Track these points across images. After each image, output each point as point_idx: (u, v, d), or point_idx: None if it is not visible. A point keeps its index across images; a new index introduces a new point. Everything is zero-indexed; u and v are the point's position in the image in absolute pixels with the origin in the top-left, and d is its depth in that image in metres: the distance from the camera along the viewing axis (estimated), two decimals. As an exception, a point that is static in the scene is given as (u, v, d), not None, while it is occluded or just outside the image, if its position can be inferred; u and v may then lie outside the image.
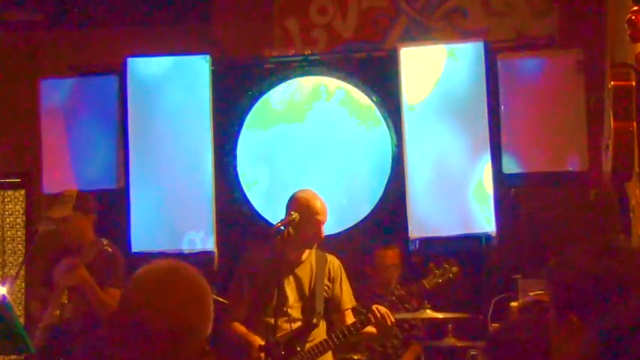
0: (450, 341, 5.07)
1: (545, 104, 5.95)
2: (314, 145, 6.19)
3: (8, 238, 6.89)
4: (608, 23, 5.60)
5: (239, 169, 6.21)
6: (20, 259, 6.66)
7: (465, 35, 6.43)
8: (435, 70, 6.00)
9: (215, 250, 5.98)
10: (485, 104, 5.88)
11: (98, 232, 5.05)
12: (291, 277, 4.59)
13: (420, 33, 6.57)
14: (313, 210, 4.53)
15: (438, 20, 6.63)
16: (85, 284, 4.73)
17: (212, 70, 6.15)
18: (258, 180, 6.21)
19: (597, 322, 1.46)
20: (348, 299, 4.71)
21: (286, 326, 4.51)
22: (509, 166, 5.92)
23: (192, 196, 6.07)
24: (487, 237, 5.80)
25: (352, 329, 4.55)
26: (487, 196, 5.82)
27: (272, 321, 4.31)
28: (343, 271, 4.73)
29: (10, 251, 6.87)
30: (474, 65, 5.95)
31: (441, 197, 5.90)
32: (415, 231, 5.85)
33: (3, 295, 4.17)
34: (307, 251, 4.65)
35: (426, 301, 5.01)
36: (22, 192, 6.92)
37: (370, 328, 4.60)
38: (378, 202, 6.08)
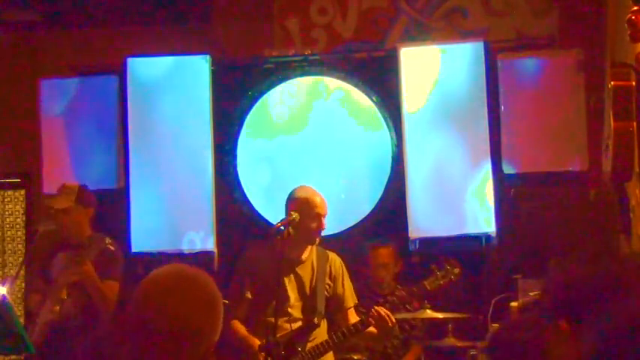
0: (450, 341, 5.07)
1: (545, 104, 5.95)
2: (314, 144, 6.19)
3: (8, 238, 6.89)
4: (608, 23, 5.60)
5: (239, 169, 6.21)
6: (20, 259, 6.66)
7: (465, 35, 6.43)
8: (435, 70, 6.00)
9: (215, 250, 5.98)
10: (485, 104, 5.89)
11: (98, 232, 5.06)
12: (291, 276, 4.58)
13: (420, 33, 6.57)
14: (313, 204, 4.52)
15: (438, 20, 6.62)
16: (88, 279, 4.75)
17: (212, 70, 6.15)
18: (258, 180, 6.22)
19: (594, 325, 1.46)
20: (350, 297, 4.70)
21: (287, 326, 4.50)
22: (510, 166, 5.92)
23: (192, 196, 6.07)
24: (487, 237, 5.80)
25: (353, 329, 4.55)
26: (487, 196, 5.82)
27: (272, 320, 4.31)
28: (345, 270, 4.71)
29: (10, 251, 6.87)
30: (474, 65, 5.95)
31: (441, 197, 5.90)
32: (415, 231, 5.86)
33: (3, 295, 4.17)
34: (308, 250, 4.64)
35: (426, 301, 5.00)
36: (22, 192, 6.92)
37: (371, 329, 4.59)
38: (378, 202, 6.08)
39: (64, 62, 6.56)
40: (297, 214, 4.45)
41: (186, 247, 6.03)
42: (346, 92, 6.19)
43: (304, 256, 4.63)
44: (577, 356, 1.56)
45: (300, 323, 4.55)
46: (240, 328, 4.52)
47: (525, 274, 5.27)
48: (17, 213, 6.92)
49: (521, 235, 5.76)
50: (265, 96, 6.23)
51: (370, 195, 6.11)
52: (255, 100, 6.23)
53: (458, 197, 5.87)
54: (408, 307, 5.24)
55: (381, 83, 6.17)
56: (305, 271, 4.61)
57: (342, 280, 4.67)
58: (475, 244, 5.81)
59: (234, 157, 6.21)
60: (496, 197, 5.80)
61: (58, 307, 4.77)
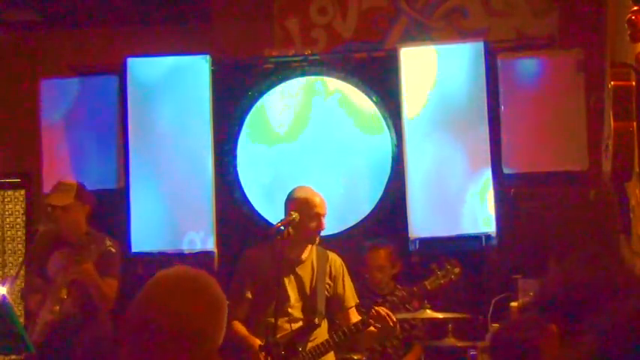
0: (450, 341, 5.07)
1: (545, 104, 5.95)
2: (314, 145, 6.19)
3: (8, 238, 6.89)
4: (608, 23, 5.61)
5: (239, 169, 6.21)
6: (20, 259, 6.66)
7: (464, 35, 6.43)
8: (435, 70, 6.00)
9: (215, 250, 5.98)
10: (485, 104, 5.88)
11: (99, 231, 5.07)
12: (291, 277, 4.58)
13: (420, 33, 6.57)
14: (312, 204, 4.53)
15: (438, 20, 6.63)
16: (88, 278, 4.76)
17: (212, 70, 6.15)
18: (258, 180, 6.22)
19: (588, 328, 1.46)
20: (350, 297, 4.70)
21: (287, 326, 4.50)
22: (509, 167, 5.92)
23: (192, 196, 6.07)
24: (487, 237, 5.80)
25: (353, 329, 4.54)
26: (487, 196, 5.82)
27: (272, 321, 4.30)
28: (345, 269, 4.71)
29: (10, 251, 6.88)
30: (474, 65, 5.94)
31: (441, 197, 5.90)
32: (415, 231, 5.86)
33: (3, 295, 4.17)
34: (308, 249, 4.64)
35: (426, 301, 5.00)
36: (22, 192, 6.92)
37: (371, 328, 4.59)
38: (378, 202, 6.08)
39: (64, 62, 6.56)
40: (296, 214, 4.45)
41: (186, 247, 6.03)
42: (346, 92, 6.19)
43: (304, 256, 4.63)
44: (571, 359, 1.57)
45: (300, 323, 4.55)
46: (240, 328, 4.52)
47: (525, 274, 5.27)
48: (17, 213, 6.92)
49: (521, 235, 5.76)
50: (264, 101, 6.22)
51: (370, 195, 6.11)
52: (255, 100, 6.23)
53: (458, 197, 5.87)
54: (408, 307, 5.24)
55: (381, 83, 6.16)
56: (305, 271, 4.61)
57: (343, 279, 4.67)
58: (475, 244, 5.81)
59: (234, 157, 6.21)
60: (496, 197, 5.80)
61: (57, 307, 4.78)
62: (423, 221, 5.88)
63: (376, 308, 4.53)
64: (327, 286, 4.63)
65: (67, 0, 6.66)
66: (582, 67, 5.88)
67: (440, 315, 4.99)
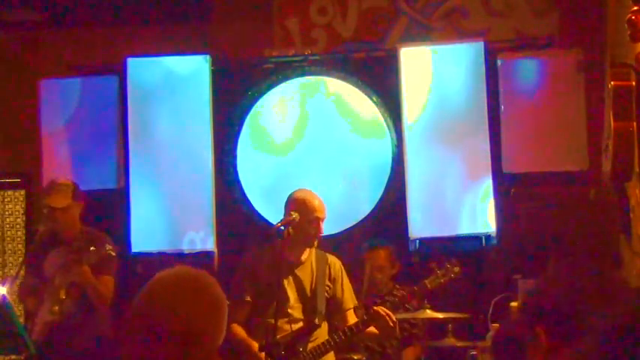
0: (450, 341, 5.06)
1: (545, 104, 5.95)
2: (314, 144, 6.19)
3: (8, 238, 6.88)
4: (608, 23, 5.60)
5: (239, 169, 6.21)
6: (20, 259, 6.65)
7: (464, 35, 6.43)
8: (435, 70, 6.00)
9: (215, 250, 5.98)
10: (485, 104, 5.88)
11: (99, 231, 5.08)
12: (290, 278, 4.59)
13: (420, 33, 6.57)
14: (311, 208, 4.53)
15: (438, 20, 6.62)
16: (86, 282, 4.78)
17: (212, 70, 6.15)
18: (258, 180, 6.22)
19: (579, 334, 1.46)
20: (349, 299, 4.70)
21: (287, 327, 4.50)
22: (509, 167, 5.92)
23: (192, 196, 6.07)
24: (487, 237, 5.80)
25: (354, 329, 4.55)
26: (487, 196, 5.82)
27: (272, 322, 4.31)
28: (344, 272, 4.72)
29: (10, 251, 6.87)
30: (474, 65, 5.94)
31: (441, 197, 5.90)
32: (415, 231, 5.86)
33: (3, 295, 4.17)
34: (307, 252, 4.64)
35: (426, 301, 5.00)
36: (22, 192, 6.91)
37: (371, 329, 4.60)
38: (378, 202, 6.08)
39: (64, 62, 6.56)
40: (296, 213, 4.46)
41: (186, 247, 6.03)
42: (346, 95, 6.19)
43: (303, 257, 4.63)
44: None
45: (300, 324, 4.56)
46: (239, 330, 4.52)
47: (525, 274, 5.27)
48: (17, 213, 6.92)
49: (521, 235, 5.76)
50: (263, 105, 6.21)
51: (370, 195, 6.11)
52: (255, 100, 6.23)
53: (458, 197, 5.87)
54: (408, 306, 5.24)
55: (381, 83, 6.17)
56: (304, 273, 4.62)
57: (342, 282, 4.68)
58: (475, 244, 5.81)
59: (234, 157, 6.21)
60: (496, 197, 5.80)
61: (56, 308, 4.78)
62: (423, 221, 5.88)
63: (375, 308, 4.53)
64: (327, 288, 4.64)
65: (68, 0, 6.65)
66: (582, 67, 5.88)
67: (440, 315, 4.98)
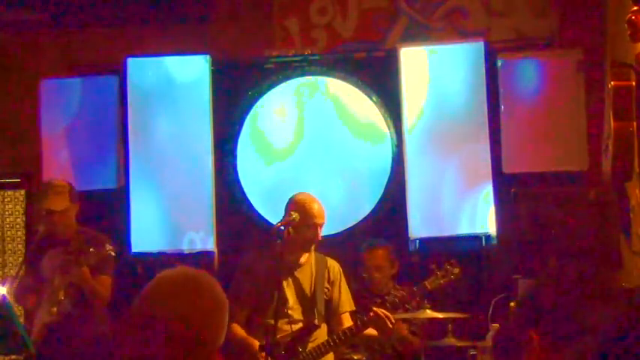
0: (450, 341, 5.06)
1: (545, 104, 5.95)
2: (314, 145, 6.19)
3: (8, 238, 6.88)
4: (608, 23, 5.60)
5: (239, 169, 6.21)
6: (20, 259, 6.65)
7: (465, 35, 6.43)
8: (435, 70, 6.00)
9: (215, 250, 5.98)
10: (485, 104, 5.89)
11: (99, 231, 5.08)
12: (290, 279, 4.60)
13: (420, 33, 6.57)
14: (310, 213, 4.54)
15: (438, 20, 6.62)
16: (85, 283, 4.78)
17: (212, 70, 6.15)
18: (258, 180, 6.21)
19: (573, 338, 1.46)
20: (346, 303, 4.72)
21: (287, 328, 4.51)
22: (510, 166, 5.92)
23: (192, 196, 6.07)
24: (487, 237, 5.80)
25: (353, 330, 4.55)
26: (487, 196, 5.82)
27: (272, 322, 4.31)
28: (342, 275, 4.75)
29: (10, 251, 6.87)
30: (474, 65, 5.95)
31: (441, 197, 5.90)
32: (415, 231, 5.86)
33: (3, 295, 4.18)
34: (306, 254, 4.66)
35: (425, 301, 5.00)
36: (22, 192, 6.91)
37: (371, 330, 4.60)
38: (378, 202, 6.08)
39: (64, 62, 6.56)
40: (297, 214, 4.47)
41: (186, 247, 6.03)
42: (345, 92, 6.19)
43: (302, 259, 4.65)
44: None
45: (300, 325, 4.56)
46: (239, 330, 4.53)
47: (525, 274, 5.27)
48: (17, 213, 6.91)
49: (521, 235, 5.76)
50: (261, 108, 6.20)
51: (370, 195, 6.11)
52: (255, 100, 6.23)
53: (458, 197, 5.87)
54: (408, 306, 5.24)
55: (381, 83, 6.17)
56: (303, 275, 4.63)
57: (340, 285, 4.71)
58: (475, 244, 5.81)
59: (234, 157, 6.21)
60: (496, 197, 5.80)
61: (55, 309, 4.78)
62: (423, 221, 5.88)
63: (375, 309, 4.53)
64: (326, 290, 4.66)
65: (68, 0, 6.65)
66: (582, 67, 5.88)
67: (440, 315, 4.98)
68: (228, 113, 6.24)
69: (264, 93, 6.23)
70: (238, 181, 6.20)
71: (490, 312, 5.25)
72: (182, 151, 6.11)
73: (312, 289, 4.61)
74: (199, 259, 5.88)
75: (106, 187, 6.15)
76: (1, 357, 4.81)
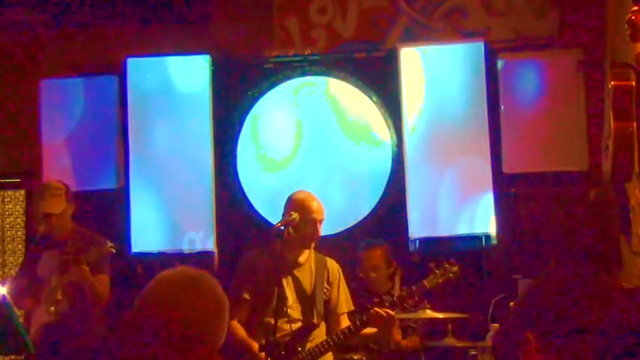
0: (450, 341, 5.06)
1: (545, 104, 5.95)
2: (314, 145, 6.19)
3: (8, 238, 6.88)
4: (608, 23, 5.60)
5: (239, 169, 6.21)
6: (20, 259, 6.66)
7: (465, 35, 6.43)
8: (435, 70, 6.00)
9: (215, 250, 5.98)
10: (485, 104, 5.89)
11: (98, 232, 5.09)
12: (289, 278, 4.60)
13: (420, 33, 6.57)
14: (309, 209, 4.54)
15: (438, 20, 6.62)
16: (84, 281, 4.79)
17: (212, 70, 6.15)
18: (258, 180, 6.22)
19: (570, 339, 1.46)
20: (344, 303, 4.73)
21: (286, 327, 4.51)
22: (510, 166, 5.92)
23: (192, 196, 6.07)
24: (487, 237, 5.80)
25: (353, 330, 4.55)
26: (487, 196, 5.82)
27: (272, 321, 4.32)
28: (342, 276, 4.76)
29: (10, 251, 6.87)
30: (474, 65, 5.95)
31: (441, 197, 5.90)
32: (415, 231, 5.86)
33: (3, 295, 4.17)
34: (306, 253, 4.66)
35: (425, 301, 5.00)
36: (22, 192, 6.91)
37: (370, 329, 4.60)
38: (378, 202, 6.08)
39: (64, 62, 6.56)
40: (296, 214, 4.47)
41: (186, 247, 6.03)
42: (345, 92, 6.19)
43: (302, 259, 4.65)
44: None
45: (299, 324, 4.56)
46: (239, 329, 4.53)
47: (525, 274, 5.27)
48: (17, 213, 6.91)
49: (521, 235, 5.76)
50: (262, 108, 6.20)
51: (370, 195, 6.11)
52: (255, 100, 6.23)
53: (458, 197, 5.87)
54: (406, 306, 5.24)
55: (381, 83, 6.17)
56: (303, 274, 4.63)
57: (339, 286, 4.72)
58: (475, 244, 5.81)
59: (234, 157, 6.21)
60: (496, 197, 5.80)
61: (53, 308, 4.78)
62: (423, 221, 5.88)
63: (376, 309, 4.53)
64: (325, 290, 4.67)
65: (68, 0, 6.65)
66: (582, 67, 5.89)
67: (440, 315, 4.98)
68: (228, 113, 6.24)
69: (264, 93, 6.23)
70: (238, 181, 6.20)
71: (490, 312, 5.25)
72: (182, 151, 6.11)
73: (312, 288, 4.61)
74: (199, 259, 5.88)
75: (106, 187, 6.15)
76: (1, 357, 4.81)
